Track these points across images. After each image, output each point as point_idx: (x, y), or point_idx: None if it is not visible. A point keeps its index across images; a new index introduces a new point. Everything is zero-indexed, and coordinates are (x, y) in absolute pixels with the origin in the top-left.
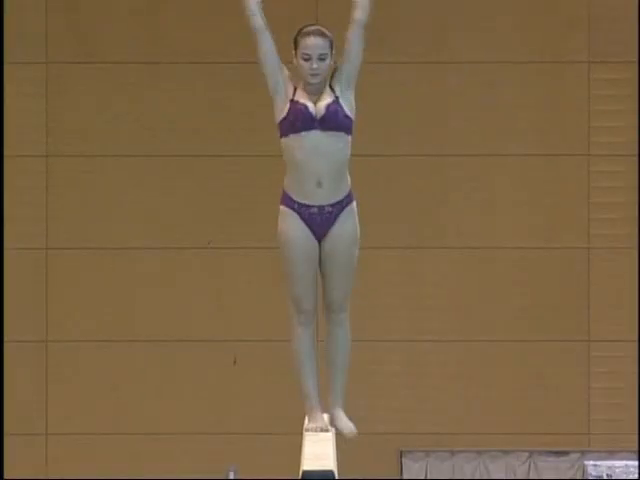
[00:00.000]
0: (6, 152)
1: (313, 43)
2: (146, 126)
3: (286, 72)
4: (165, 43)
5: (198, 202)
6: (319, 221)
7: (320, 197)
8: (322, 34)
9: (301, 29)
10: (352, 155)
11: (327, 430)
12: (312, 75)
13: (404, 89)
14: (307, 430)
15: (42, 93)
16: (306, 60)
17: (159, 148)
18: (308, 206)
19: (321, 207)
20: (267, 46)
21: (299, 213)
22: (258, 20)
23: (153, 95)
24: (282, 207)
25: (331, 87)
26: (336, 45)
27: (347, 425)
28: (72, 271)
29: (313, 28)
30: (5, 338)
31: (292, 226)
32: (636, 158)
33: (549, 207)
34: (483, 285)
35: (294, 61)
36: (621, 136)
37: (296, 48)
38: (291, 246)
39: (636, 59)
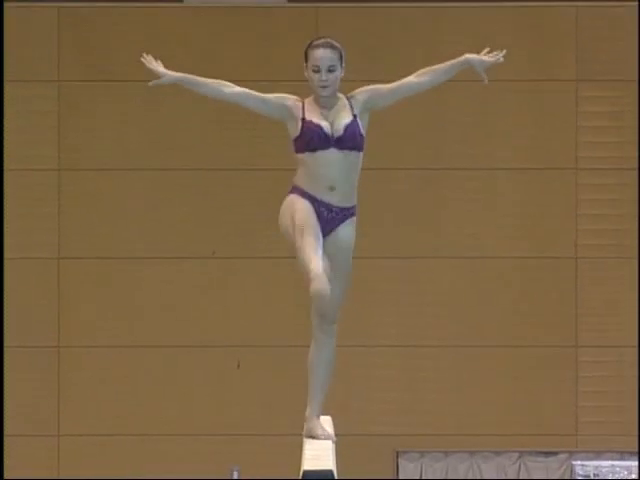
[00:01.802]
0: (20, 166)
1: (322, 55)
2: (154, 141)
3: (284, 98)
4: (172, 62)
5: (203, 214)
6: (326, 216)
7: (331, 198)
8: (331, 46)
9: (311, 42)
10: None
11: (332, 439)
12: (322, 87)
13: (400, 106)
14: (318, 437)
15: (54, 110)
16: (316, 72)
17: (165, 162)
18: (319, 201)
19: (330, 206)
20: (255, 103)
21: (309, 200)
22: (233, 97)
23: (160, 111)
24: (292, 195)
25: (349, 101)
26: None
27: (324, 432)
28: (83, 279)
29: (322, 41)
30: (19, 344)
31: (301, 203)
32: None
33: (539, 218)
34: (476, 293)
35: (305, 74)
36: (607, 151)
37: (306, 61)
38: (300, 214)
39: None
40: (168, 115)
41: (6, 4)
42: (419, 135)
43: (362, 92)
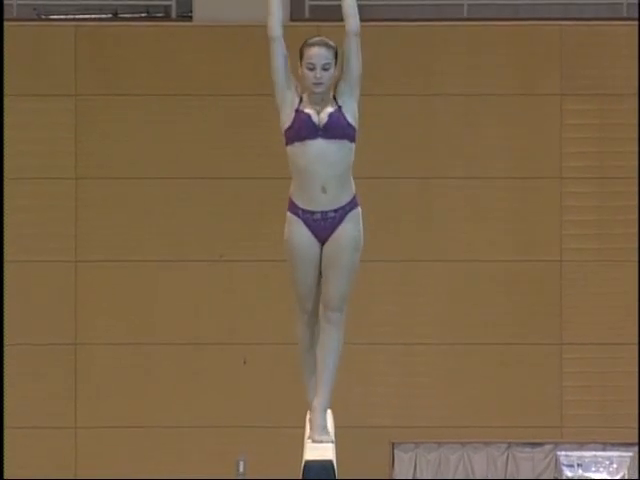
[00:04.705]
0: (40, 175)
1: (317, 53)
2: (165, 151)
3: (294, 84)
4: (183, 77)
5: (211, 220)
6: (322, 226)
7: (324, 203)
8: (326, 44)
9: (306, 41)
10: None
11: (329, 441)
12: (316, 84)
13: (396, 118)
14: (313, 441)
15: (72, 122)
16: (310, 70)
17: (176, 171)
18: (312, 212)
19: (324, 213)
20: (281, 56)
21: (303, 220)
22: (278, 29)
23: (170, 124)
24: (288, 213)
25: (334, 98)
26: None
27: (320, 432)
28: (98, 281)
29: (317, 39)
30: (39, 341)
31: (296, 232)
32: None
33: (525, 224)
34: (467, 294)
35: (299, 71)
36: (589, 161)
37: (301, 58)
38: (295, 251)
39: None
40: (178, 127)
41: (27, 22)
42: (414, 147)
43: (339, 85)
